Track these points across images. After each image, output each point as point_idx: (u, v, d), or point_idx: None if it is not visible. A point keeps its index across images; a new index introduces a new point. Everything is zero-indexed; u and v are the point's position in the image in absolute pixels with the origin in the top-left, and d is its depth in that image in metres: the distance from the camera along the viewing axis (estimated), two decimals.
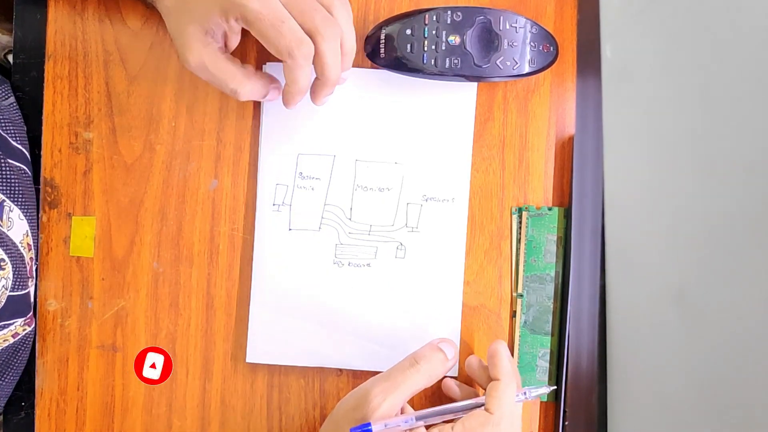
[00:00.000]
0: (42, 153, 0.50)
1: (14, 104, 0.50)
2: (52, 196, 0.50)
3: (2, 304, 0.45)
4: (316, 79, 0.46)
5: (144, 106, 0.51)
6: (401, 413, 0.45)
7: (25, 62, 0.51)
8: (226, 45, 0.46)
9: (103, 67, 0.51)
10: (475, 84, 0.50)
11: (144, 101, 0.51)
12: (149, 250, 0.51)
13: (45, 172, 0.50)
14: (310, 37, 0.43)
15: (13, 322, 0.47)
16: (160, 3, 0.45)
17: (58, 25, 0.50)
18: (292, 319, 0.50)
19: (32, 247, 0.49)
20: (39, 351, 0.50)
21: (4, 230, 0.45)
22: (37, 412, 0.50)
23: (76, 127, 0.50)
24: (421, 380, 0.45)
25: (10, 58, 0.52)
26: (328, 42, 0.43)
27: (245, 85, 0.45)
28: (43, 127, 0.50)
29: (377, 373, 0.50)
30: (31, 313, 0.49)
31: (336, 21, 0.44)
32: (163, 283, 0.51)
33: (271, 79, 0.47)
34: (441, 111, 0.50)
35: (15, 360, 0.49)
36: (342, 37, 0.44)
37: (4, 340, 0.47)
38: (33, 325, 0.49)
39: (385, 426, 0.42)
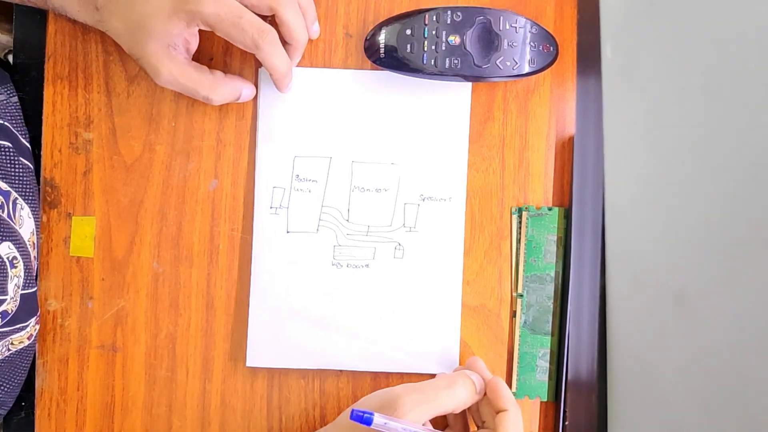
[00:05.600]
0: (42, 153, 0.50)
1: (18, 103, 0.50)
2: (52, 196, 0.50)
3: (18, 303, 0.45)
4: (288, 45, 0.47)
5: (144, 106, 0.51)
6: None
7: (25, 62, 0.51)
8: (187, 50, 0.46)
9: (103, 67, 0.51)
10: (469, 83, 0.50)
11: (144, 101, 0.51)
12: (149, 250, 0.51)
13: (45, 172, 0.50)
14: (272, 11, 0.45)
15: (29, 323, 0.47)
16: (107, 25, 0.45)
17: (58, 25, 0.50)
18: (292, 322, 0.50)
19: (35, 246, 0.49)
20: (39, 351, 0.50)
21: (17, 228, 0.46)
22: (37, 412, 0.50)
23: (76, 127, 0.51)
24: (452, 404, 0.44)
25: (11, 58, 0.52)
26: (287, 9, 0.45)
27: (216, 90, 0.47)
28: (43, 127, 0.50)
29: (377, 373, 0.50)
30: (39, 312, 0.49)
31: None
32: (163, 283, 0.51)
33: (242, 80, 0.49)
34: (436, 111, 0.50)
35: (26, 359, 0.49)
36: None
37: (20, 342, 0.47)
38: (39, 324, 0.50)
39: (385, 424, 0.42)
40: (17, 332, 0.46)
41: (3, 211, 0.44)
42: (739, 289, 0.34)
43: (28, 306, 0.47)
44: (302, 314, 0.50)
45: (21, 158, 0.47)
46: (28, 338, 0.48)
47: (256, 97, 0.50)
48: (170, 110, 0.51)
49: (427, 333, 0.50)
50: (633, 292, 0.45)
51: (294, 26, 0.46)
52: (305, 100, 0.50)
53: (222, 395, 0.51)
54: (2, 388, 0.48)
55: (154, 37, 0.43)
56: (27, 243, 0.47)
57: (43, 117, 0.50)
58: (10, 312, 0.44)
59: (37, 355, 0.50)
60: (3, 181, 0.45)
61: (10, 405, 0.49)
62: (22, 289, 0.46)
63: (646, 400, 0.43)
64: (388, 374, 0.51)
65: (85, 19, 0.46)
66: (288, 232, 0.50)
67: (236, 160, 0.51)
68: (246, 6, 0.44)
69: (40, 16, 0.51)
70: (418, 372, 0.50)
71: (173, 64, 0.45)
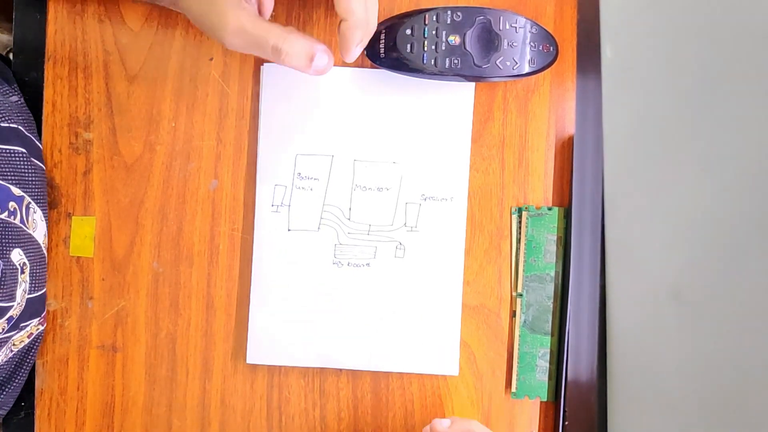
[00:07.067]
0: (42, 153, 0.50)
1: (23, 103, 0.50)
2: (52, 196, 0.50)
3: (23, 307, 0.45)
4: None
5: (144, 106, 0.51)
6: None
7: (25, 62, 0.51)
8: (260, 11, 0.46)
9: (103, 67, 0.51)
10: (473, 83, 0.50)
11: (144, 101, 0.51)
12: (149, 250, 0.51)
13: (45, 172, 0.50)
14: None
15: (30, 323, 0.47)
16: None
17: (58, 25, 0.50)
18: (292, 320, 0.50)
19: (47, 248, 0.49)
20: (39, 351, 0.50)
21: (30, 232, 0.46)
22: (37, 412, 0.50)
23: (76, 128, 0.51)
24: None
25: (11, 56, 0.52)
26: None
27: (288, 40, 0.43)
28: (43, 128, 0.50)
29: (377, 372, 0.50)
30: (45, 312, 0.49)
31: None
32: (163, 283, 0.51)
33: (318, 41, 0.45)
34: (439, 110, 0.50)
35: (27, 359, 0.49)
36: None
37: (21, 342, 0.47)
38: (45, 324, 0.50)
39: None
40: (17, 332, 0.46)
41: (15, 217, 0.44)
42: (738, 288, 0.34)
43: (32, 309, 0.47)
44: (302, 312, 0.50)
45: (33, 160, 0.47)
46: (28, 336, 0.48)
47: (257, 94, 0.50)
48: (170, 110, 0.51)
49: (427, 333, 0.50)
50: (633, 292, 0.45)
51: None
52: (308, 98, 0.50)
53: (222, 395, 0.51)
54: (4, 389, 0.48)
55: None
56: (42, 246, 0.47)
57: (43, 117, 0.50)
58: (15, 317, 0.44)
59: (37, 355, 0.50)
60: (17, 187, 0.45)
61: (11, 405, 0.49)
62: (28, 294, 0.46)
63: (646, 399, 0.43)
64: (387, 374, 0.51)
65: None
66: (289, 230, 0.50)
67: (236, 160, 0.51)
68: None
69: (40, 16, 0.51)
70: (418, 372, 0.50)
71: (243, 13, 0.43)
